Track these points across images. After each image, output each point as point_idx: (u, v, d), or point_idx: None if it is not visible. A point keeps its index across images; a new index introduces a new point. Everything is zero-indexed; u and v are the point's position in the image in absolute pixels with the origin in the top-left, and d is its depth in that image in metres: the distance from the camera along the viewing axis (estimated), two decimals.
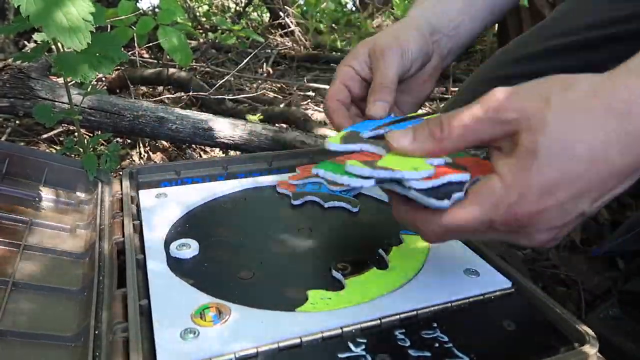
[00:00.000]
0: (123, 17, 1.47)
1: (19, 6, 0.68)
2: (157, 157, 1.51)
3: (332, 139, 0.52)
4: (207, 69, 2.32)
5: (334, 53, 3.30)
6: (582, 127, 0.40)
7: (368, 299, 0.53)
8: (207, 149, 1.58)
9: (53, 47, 0.83)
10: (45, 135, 1.54)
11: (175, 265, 0.59)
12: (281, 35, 3.35)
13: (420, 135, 0.46)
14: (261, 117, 1.78)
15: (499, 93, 0.44)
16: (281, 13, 3.34)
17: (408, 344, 0.48)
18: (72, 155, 0.90)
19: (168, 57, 2.02)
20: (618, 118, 0.39)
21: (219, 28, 2.97)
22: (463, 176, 0.45)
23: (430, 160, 0.46)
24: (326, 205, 0.74)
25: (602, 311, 0.73)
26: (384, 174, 0.44)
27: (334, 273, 0.58)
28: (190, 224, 0.69)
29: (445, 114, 0.46)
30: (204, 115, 1.37)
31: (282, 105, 1.98)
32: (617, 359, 0.67)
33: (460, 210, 0.43)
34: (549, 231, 0.43)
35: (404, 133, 0.47)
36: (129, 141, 1.57)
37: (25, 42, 2.15)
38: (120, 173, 0.79)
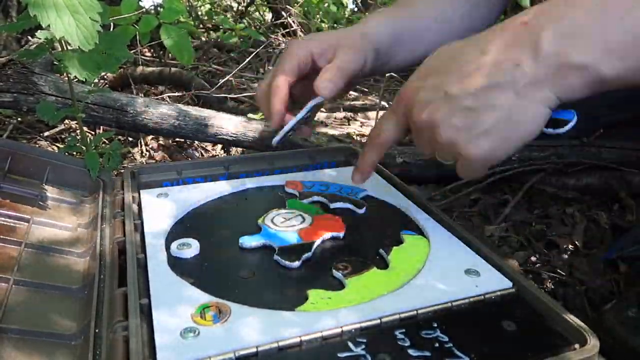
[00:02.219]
0: (126, 15, 1.47)
1: (24, 4, 0.68)
2: (159, 155, 1.51)
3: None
4: (209, 68, 2.32)
5: None
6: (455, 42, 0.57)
7: (368, 299, 0.53)
8: (209, 147, 1.58)
9: (56, 44, 0.83)
10: (47, 133, 1.54)
11: (176, 264, 0.59)
12: (283, 35, 3.35)
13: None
14: (262, 116, 1.78)
15: None
16: (283, 13, 3.33)
17: (408, 343, 0.48)
18: (74, 154, 0.90)
19: (170, 55, 2.02)
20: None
21: (221, 27, 2.97)
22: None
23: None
24: (332, 206, 0.74)
25: (618, 310, 0.73)
26: None
27: (334, 273, 0.58)
28: (191, 224, 0.69)
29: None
30: (206, 112, 1.37)
31: None
32: (629, 358, 0.67)
33: None
34: (424, 106, 0.55)
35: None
36: (130, 139, 1.57)
37: (29, 37, 2.16)
38: (122, 172, 0.79)
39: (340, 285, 0.56)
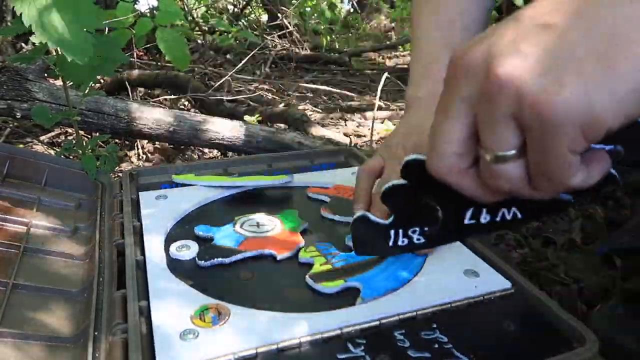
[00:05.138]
0: (121, 18, 1.47)
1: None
2: (156, 158, 1.51)
3: None
4: (206, 70, 2.33)
5: (331, 54, 3.31)
6: None
7: (366, 299, 0.53)
8: (206, 150, 1.58)
9: (52, 49, 0.83)
10: (43, 137, 1.54)
11: (175, 266, 0.59)
12: (279, 37, 3.36)
13: None
14: (259, 117, 1.78)
15: None
16: (279, 14, 3.34)
17: (407, 344, 0.48)
18: (71, 157, 0.90)
19: (166, 58, 2.02)
20: None
21: (217, 30, 2.98)
22: None
23: None
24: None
25: (605, 309, 0.73)
26: None
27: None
28: (190, 226, 0.69)
29: None
30: (201, 117, 1.37)
31: (280, 106, 1.98)
32: (621, 358, 0.67)
33: None
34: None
35: None
36: (127, 142, 1.57)
37: (23, 45, 2.15)
38: (120, 175, 0.79)
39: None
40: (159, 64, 2.20)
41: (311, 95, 2.38)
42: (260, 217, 0.70)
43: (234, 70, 2.19)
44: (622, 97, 0.31)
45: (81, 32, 0.70)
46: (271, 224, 0.68)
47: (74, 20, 0.70)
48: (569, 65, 0.31)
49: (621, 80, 0.30)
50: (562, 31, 0.32)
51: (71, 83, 0.86)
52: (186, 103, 1.98)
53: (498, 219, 0.44)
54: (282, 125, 1.81)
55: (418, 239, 0.50)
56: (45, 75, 1.36)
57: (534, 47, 0.32)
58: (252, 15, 4.01)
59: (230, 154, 1.48)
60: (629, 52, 0.30)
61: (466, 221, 0.45)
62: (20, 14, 0.69)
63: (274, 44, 3.16)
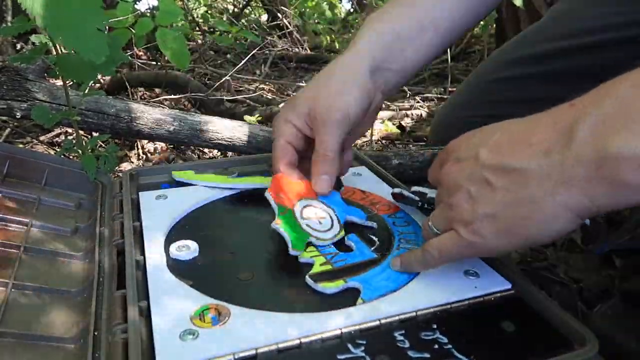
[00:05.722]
0: (122, 18, 1.47)
1: (23, 10, 0.68)
2: (156, 158, 1.51)
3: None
4: (206, 70, 2.33)
5: (332, 54, 3.31)
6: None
7: (366, 300, 0.53)
8: (206, 150, 1.58)
9: (52, 48, 0.83)
10: (43, 137, 1.54)
11: (175, 266, 0.59)
12: (279, 37, 3.36)
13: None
14: (260, 117, 1.78)
15: None
16: (279, 14, 3.34)
17: (407, 345, 0.48)
18: (71, 157, 0.90)
19: (166, 58, 2.02)
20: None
21: (216, 30, 2.98)
22: None
23: None
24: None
25: (605, 310, 0.74)
26: None
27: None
28: (190, 226, 0.69)
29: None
30: (201, 117, 1.37)
31: (280, 106, 1.98)
32: (620, 358, 0.67)
33: None
34: (455, 164, 0.52)
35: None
36: (127, 142, 1.57)
37: (23, 45, 2.15)
38: (120, 175, 0.79)
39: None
40: (159, 64, 2.20)
41: None
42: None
43: (234, 70, 2.19)
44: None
45: (95, 31, 0.70)
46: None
47: (88, 20, 0.70)
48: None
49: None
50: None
51: (71, 83, 0.86)
52: (186, 103, 1.98)
53: None
54: None
55: None
56: (45, 75, 1.36)
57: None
58: (252, 15, 4.01)
59: (230, 154, 1.48)
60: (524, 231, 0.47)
61: None
62: (31, 15, 0.68)
63: (273, 44, 3.16)
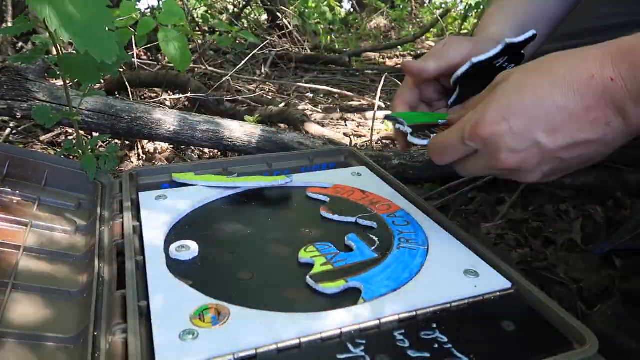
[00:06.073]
0: (123, 17, 1.47)
1: (24, 8, 0.68)
2: (156, 158, 1.51)
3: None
4: (206, 70, 2.33)
5: (331, 54, 3.31)
6: (533, 73, 0.54)
7: (367, 299, 0.53)
8: (206, 150, 1.58)
9: (52, 48, 0.83)
10: (43, 137, 1.54)
11: (175, 266, 0.59)
12: (279, 37, 3.35)
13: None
14: (259, 118, 1.78)
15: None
16: (279, 14, 3.34)
17: (407, 344, 0.48)
18: (71, 157, 0.90)
19: (166, 58, 2.02)
20: (565, 68, 0.51)
21: (216, 30, 2.97)
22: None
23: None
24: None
25: (605, 310, 0.74)
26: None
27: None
28: (189, 226, 0.69)
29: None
30: (201, 117, 1.37)
31: (280, 106, 1.98)
32: (620, 358, 0.67)
33: (443, 133, 0.60)
34: (513, 154, 0.53)
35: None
36: (127, 142, 1.56)
37: (23, 45, 2.15)
38: (120, 175, 0.79)
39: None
40: (159, 64, 2.20)
41: (311, 95, 2.38)
42: None
43: (234, 70, 2.19)
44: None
45: (106, 31, 0.70)
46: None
47: (98, 20, 0.70)
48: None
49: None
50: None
51: (71, 83, 0.86)
52: (186, 103, 1.98)
53: None
54: (282, 125, 1.80)
55: None
56: (46, 75, 1.36)
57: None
58: (252, 15, 4.01)
59: (230, 154, 1.48)
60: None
61: None
62: (23, 9, 0.68)
63: (274, 44, 3.16)
